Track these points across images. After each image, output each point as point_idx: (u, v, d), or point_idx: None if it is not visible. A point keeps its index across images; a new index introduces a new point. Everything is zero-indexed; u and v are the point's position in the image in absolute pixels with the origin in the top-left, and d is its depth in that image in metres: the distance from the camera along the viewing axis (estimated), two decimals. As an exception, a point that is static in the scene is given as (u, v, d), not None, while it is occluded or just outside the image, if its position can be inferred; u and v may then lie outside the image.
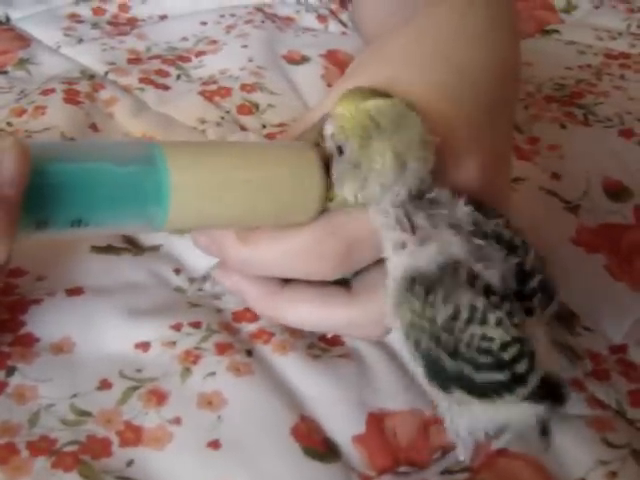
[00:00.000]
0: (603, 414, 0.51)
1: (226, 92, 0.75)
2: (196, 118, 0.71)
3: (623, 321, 0.57)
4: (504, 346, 0.40)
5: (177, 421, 0.48)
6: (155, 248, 0.59)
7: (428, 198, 0.43)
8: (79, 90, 0.72)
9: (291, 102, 0.75)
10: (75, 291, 0.54)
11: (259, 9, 0.88)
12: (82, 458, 0.45)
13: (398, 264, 0.42)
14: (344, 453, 0.48)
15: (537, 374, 0.41)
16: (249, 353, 0.52)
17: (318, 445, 0.47)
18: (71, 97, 0.71)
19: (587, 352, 0.55)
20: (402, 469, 0.48)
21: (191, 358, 0.51)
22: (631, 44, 0.89)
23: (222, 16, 0.87)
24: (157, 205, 0.42)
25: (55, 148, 0.43)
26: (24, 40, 0.81)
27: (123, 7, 0.88)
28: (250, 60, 0.79)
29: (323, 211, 0.45)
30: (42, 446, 0.46)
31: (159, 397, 0.49)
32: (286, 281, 0.48)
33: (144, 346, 0.51)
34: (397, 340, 0.43)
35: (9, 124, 0.68)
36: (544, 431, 0.43)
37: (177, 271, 0.57)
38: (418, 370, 0.42)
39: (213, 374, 0.50)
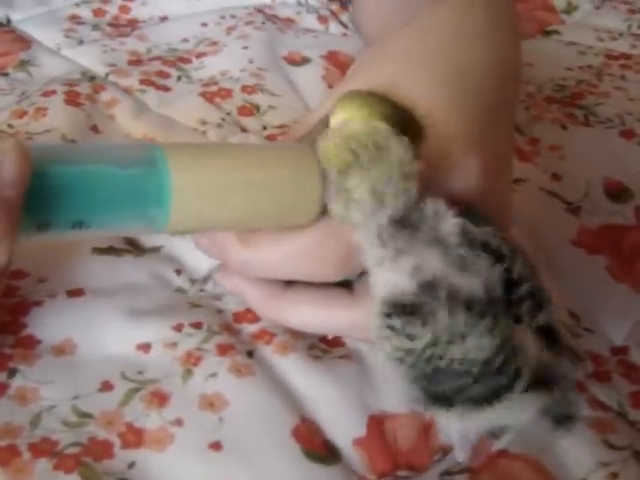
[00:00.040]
0: (604, 415, 0.51)
1: (227, 93, 0.75)
2: (197, 119, 0.71)
3: (624, 322, 0.57)
4: (486, 362, 0.40)
5: (178, 422, 0.48)
6: (156, 249, 0.59)
7: (413, 217, 0.42)
8: (80, 92, 0.72)
9: (292, 103, 0.75)
10: (76, 292, 0.54)
11: (260, 10, 0.88)
12: (84, 460, 0.45)
13: (380, 281, 0.42)
14: (344, 456, 0.48)
15: (523, 381, 0.41)
16: (250, 354, 0.52)
17: (319, 447, 0.47)
18: (72, 99, 0.71)
19: (588, 353, 0.55)
20: (402, 472, 0.48)
21: (192, 359, 0.51)
22: (632, 45, 0.89)
23: (223, 17, 0.87)
24: (158, 207, 0.42)
25: (56, 150, 0.43)
26: (25, 42, 0.81)
27: (124, 8, 0.88)
28: (251, 61, 0.79)
29: (324, 213, 0.45)
30: (44, 448, 0.46)
31: (160, 399, 0.49)
32: (288, 283, 0.48)
33: (145, 347, 0.51)
34: (379, 365, 0.43)
35: (10, 126, 0.68)
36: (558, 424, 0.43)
37: (178, 272, 0.57)
38: (401, 386, 0.42)
39: (214, 375, 0.50)
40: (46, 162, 0.40)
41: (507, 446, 0.47)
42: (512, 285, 0.42)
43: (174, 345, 0.51)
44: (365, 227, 0.42)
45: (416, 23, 0.52)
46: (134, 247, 0.58)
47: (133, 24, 0.86)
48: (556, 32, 0.91)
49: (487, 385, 0.40)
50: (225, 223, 0.45)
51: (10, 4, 0.86)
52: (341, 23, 0.88)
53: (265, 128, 0.71)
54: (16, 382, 0.49)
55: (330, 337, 0.53)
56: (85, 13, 0.87)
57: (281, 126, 0.71)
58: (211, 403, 0.49)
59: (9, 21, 0.85)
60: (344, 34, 0.87)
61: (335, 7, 0.89)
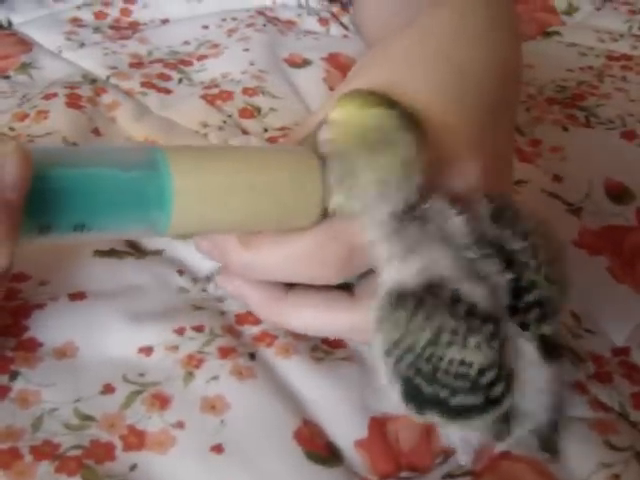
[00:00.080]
0: (606, 416, 0.51)
1: (228, 96, 0.75)
2: (198, 122, 0.71)
3: (626, 323, 0.57)
4: (482, 371, 0.40)
5: (180, 425, 0.48)
6: (158, 252, 0.59)
7: (419, 211, 0.42)
8: (81, 94, 0.72)
9: (293, 106, 0.75)
10: (78, 295, 0.54)
11: (260, 12, 0.88)
12: (86, 462, 0.45)
13: (386, 279, 0.42)
14: (346, 457, 0.48)
15: (512, 396, 0.41)
16: (252, 356, 0.52)
17: (321, 449, 0.47)
18: (73, 101, 0.71)
19: (589, 354, 0.55)
20: (404, 474, 0.48)
21: (194, 362, 0.51)
22: (633, 46, 0.89)
23: (224, 20, 0.87)
24: (160, 210, 0.42)
25: (57, 153, 0.43)
26: (26, 44, 0.81)
27: (125, 11, 0.88)
28: (252, 64, 0.79)
29: (325, 215, 0.45)
30: (45, 450, 0.46)
31: (162, 401, 0.49)
32: (289, 286, 0.48)
33: (147, 350, 0.51)
34: (374, 360, 0.43)
35: (11, 129, 0.68)
36: (553, 447, 0.44)
37: (180, 272, 0.57)
38: (394, 390, 0.42)
39: (216, 378, 0.50)
40: (47, 165, 0.40)
41: (509, 448, 0.47)
42: (521, 292, 0.42)
43: (176, 348, 0.51)
44: (367, 218, 0.43)
45: (416, 24, 0.52)
46: (136, 250, 0.58)
47: (134, 27, 0.86)
48: (557, 33, 0.91)
49: (479, 395, 0.40)
50: (226, 225, 0.45)
51: (11, 7, 0.86)
52: (342, 25, 0.88)
53: (266, 130, 0.71)
54: (18, 385, 0.49)
55: (332, 338, 0.53)
56: (86, 16, 0.87)
57: (282, 128, 0.71)
58: (213, 406, 0.49)
59: (10, 24, 0.85)
60: (345, 36, 0.87)
61: (336, 9, 0.89)
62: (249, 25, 0.85)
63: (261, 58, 0.80)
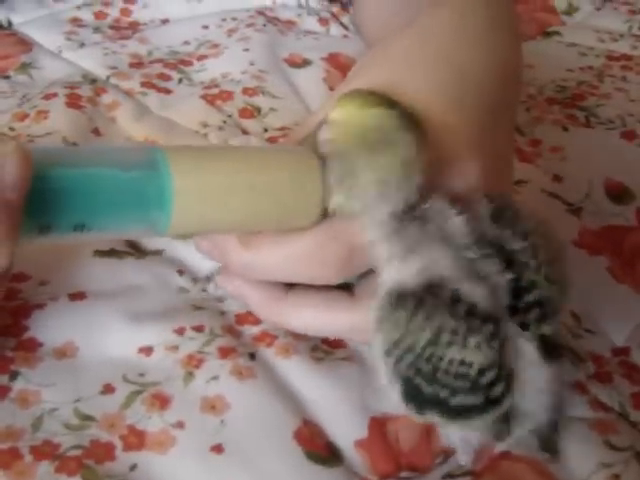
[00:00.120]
0: (606, 417, 0.51)
1: (228, 96, 0.75)
2: (198, 122, 0.71)
3: (626, 323, 0.57)
4: (482, 371, 0.40)
5: (180, 425, 0.48)
6: (158, 252, 0.59)
7: (419, 211, 0.42)
8: (81, 94, 0.72)
9: (293, 106, 0.75)
10: (78, 295, 0.54)
11: (260, 12, 0.88)
12: (86, 462, 0.45)
13: (386, 279, 0.42)
14: (346, 457, 0.48)
15: (512, 396, 0.41)
16: (252, 356, 0.52)
17: (321, 449, 0.47)
18: (73, 101, 0.71)
19: (589, 354, 0.55)
20: (404, 474, 0.48)
21: (194, 362, 0.51)
22: (633, 46, 0.89)
23: (224, 20, 0.87)
24: (160, 210, 0.42)
25: (57, 153, 0.43)
26: (26, 44, 0.81)
27: (125, 11, 0.88)
28: (252, 64, 0.79)
29: (325, 215, 0.45)
30: (45, 450, 0.46)
31: (162, 401, 0.49)
32: (289, 286, 0.48)
33: (147, 350, 0.51)
34: (374, 361, 0.43)
35: (11, 129, 0.68)
36: (553, 448, 0.44)
37: (180, 272, 0.57)
38: (393, 391, 0.42)
39: (216, 378, 0.50)
40: (47, 165, 0.40)
41: (509, 448, 0.47)
42: (521, 292, 0.42)
43: (175, 348, 0.51)
44: (367, 218, 0.43)
45: (416, 24, 0.52)
46: (136, 250, 0.58)
47: (134, 27, 0.86)
48: (557, 33, 0.91)
49: (479, 395, 0.40)
50: (226, 225, 0.45)
51: (11, 7, 0.86)
52: (342, 25, 0.88)
53: (266, 130, 0.71)
54: (18, 385, 0.49)
55: (332, 339, 0.53)
56: (86, 16, 0.87)
57: (282, 128, 0.71)
58: (213, 406, 0.49)
59: (10, 24, 0.85)
60: (345, 36, 0.87)
61: (336, 9, 0.89)
62: (249, 25, 0.85)
63: (261, 58, 0.80)
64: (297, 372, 0.51)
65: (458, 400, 0.41)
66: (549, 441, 0.44)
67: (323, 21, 0.88)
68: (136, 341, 0.52)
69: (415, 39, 0.51)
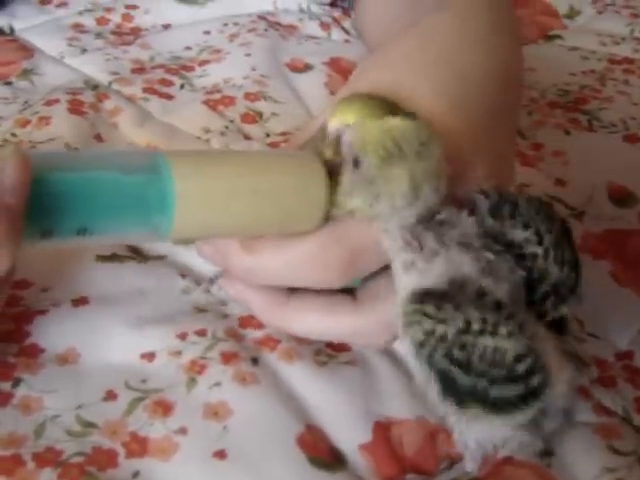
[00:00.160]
0: (609, 421, 0.51)
1: (230, 101, 0.75)
2: (200, 127, 0.71)
3: (629, 327, 0.57)
4: (518, 358, 0.40)
5: (183, 431, 0.47)
6: (160, 257, 0.59)
7: (437, 219, 0.43)
8: (83, 100, 0.72)
9: (295, 110, 0.75)
10: (80, 301, 0.54)
11: (262, 17, 0.88)
12: (88, 469, 0.45)
13: (408, 283, 0.42)
14: (350, 462, 0.48)
15: (551, 389, 0.40)
16: (255, 361, 0.51)
17: (324, 454, 0.47)
18: (75, 107, 0.71)
19: (593, 359, 0.54)
20: (409, 477, 0.47)
21: (196, 368, 0.51)
22: (635, 49, 0.89)
23: (225, 25, 0.87)
24: (162, 214, 0.42)
25: (59, 157, 0.44)
26: (28, 50, 0.81)
27: (127, 17, 0.88)
28: (253, 69, 0.79)
29: (327, 219, 0.45)
30: (48, 457, 0.46)
31: (165, 408, 0.49)
32: (291, 290, 0.48)
33: (149, 356, 0.51)
34: (409, 360, 0.43)
35: (13, 135, 0.68)
36: (547, 451, 0.44)
37: (183, 275, 0.57)
38: (432, 389, 0.42)
39: (219, 384, 0.50)
40: (49, 169, 0.40)
41: (512, 453, 0.47)
42: (534, 283, 0.42)
43: (178, 354, 0.51)
44: (390, 222, 0.43)
45: (418, 29, 0.52)
46: (137, 254, 0.58)
47: (136, 32, 0.86)
48: (559, 37, 0.91)
49: (518, 385, 0.40)
50: (229, 229, 0.45)
51: (13, 13, 0.86)
52: (343, 29, 0.88)
53: (268, 135, 0.71)
54: (20, 391, 0.49)
55: (335, 342, 0.53)
56: (88, 22, 0.87)
57: (284, 133, 0.71)
58: (215, 412, 0.48)
59: (12, 30, 0.85)
60: (346, 40, 0.87)
61: (337, 14, 0.89)
62: (251, 30, 0.85)
63: (263, 63, 0.80)
64: (300, 377, 0.51)
65: (497, 391, 0.40)
66: (548, 444, 0.44)
67: (325, 26, 0.88)
68: (138, 347, 0.52)
69: (416, 43, 0.51)
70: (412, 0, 0.60)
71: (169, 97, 0.75)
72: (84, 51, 0.81)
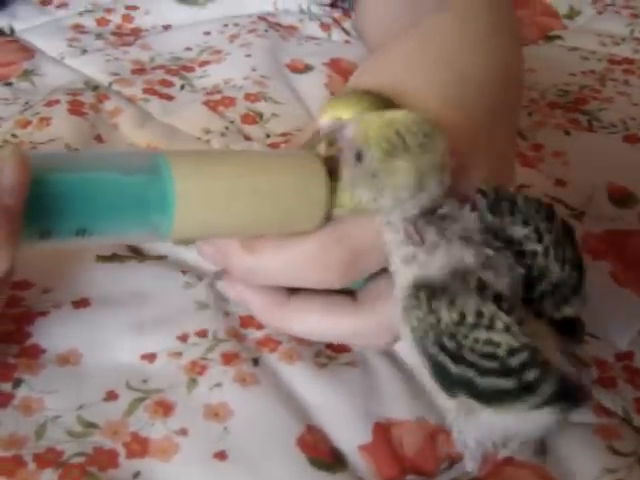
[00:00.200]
0: (609, 422, 0.51)
1: (230, 102, 0.75)
2: (200, 128, 0.71)
3: (629, 328, 0.57)
4: (511, 352, 0.40)
5: (183, 432, 0.48)
6: (161, 257, 0.59)
7: (439, 213, 0.43)
8: (83, 101, 0.72)
9: (295, 111, 0.75)
10: (81, 302, 0.54)
11: (262, 18, 0.88)
12: (89, 470, 0.45)
13: (408, 274, 0.42)
14: (350, 463, 0.48)
15: (550, 384, 0.40)
16: (255, 362, 0.52)
17: (325, 455, 0.47)
18: (75, 108, 0.71)
19: (593, 359, 0.54)
20: (409, 478, 0.48)
21: (197, 369, 0.51)
22: (635, 49, 0.89)
23: (225, 26, 0.87)
24: (162, 214, 0.42)
25: (58, 158, 0.44)
26: (28, 51, 0.81)
27: (127, 18, 0.88)
28: (254, 69, 0.79)
29: (328, 219, 0.45)
30: (49, 458, 0.46)
31: (165, 408, 0.49)
32: (291, 291, 0.48)
33: (150, 357, 0.51)
34: (405, 347, 0.44)
35: (14, 135, 0.68)
36: (541, 450, 0.44)
37: (184, 272, 0.57)
38: (425, 375, 0.42)
39: (219, 385, 0.50)
40: (48, 170, 0.40)
41: (513, 454, 0.47)
42: (533, 281, 0.42)
43: (179, 355, 0.51)
44: (393, 215, 0.43)
45: (418, 29, 0.52)
46: (138, 254, 0.58)
47: (136, 33, 0.86)
48: (559, 37, 0.91)
49: (511, 378, 0.40)
50: (229, 229, 0.45)
51: (13, 14, 0.86)
52: (344, 30, 0.88)
53: (268, 136, 0.71)
54: (21, 392, 0.49)
55: (336, 343, 0.53)
56: (88, 22, 0.87)
57: (284, 134, 0.71)
58: (216, 413, 0.49)
59: (12, 31, 0.85)
60: (347, 41, 0.87)
61: (338, 14, 0.89)
62: (251, 31, 0.85)
63: (263, 64, 0.80)
64: (301, 378, 0.51)
65: (488, 382, 0.40)
66: (541, 443, 0.44)
67: (325, 26, 0.88)
68: (139, 347, 0.52)
69: (416, 43, 0.51)
70: (412, 1, 0.60)
71: (169, 98, 0.75)
72: (84, 52, 0.81)
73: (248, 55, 0.81)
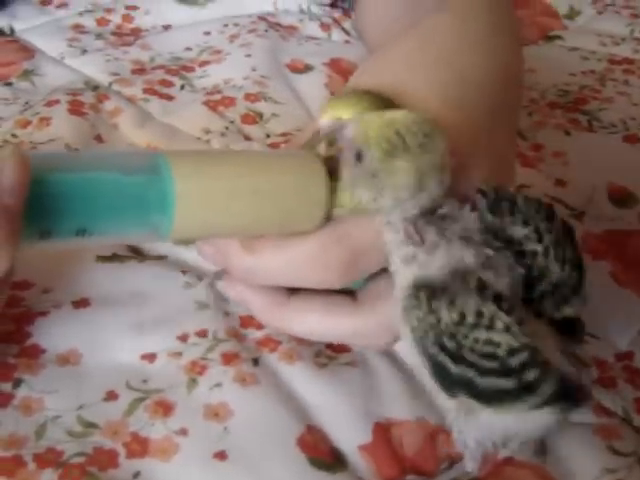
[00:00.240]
0: (609, 422, 0.51)
1: (230, 102, 0.75)
2: (200, 128, 0.71)
3: (629, 328, 0.57)
4: (511, 352, 0.40)
5: (183, 432, 0.48)
6: (161, 258, 0.59)
7: (439, 213, 0.43)
8: (83, 101, 0.72)
9: (295, 111, 0.75)
10: (81, 302, 0.54)
11: (262, 18, 0.88)
12: (89, 470, 0.45)
13: (408, 274, 0.42)
14: (350, 463, 0.48)
15: (550, 384, 0.40)
16: (255, 362, 0.52)
17: (325, 455, 0.47)
18: (75, 108, 0.71)
19: (593, 359, 0.54)
20: (409, 478, 0.48)
21: (197, 369, 0.51)
22: (635, 49, 0.89)
23: (225, 26, 0.87)
24: (162, 214, 0.42)
25: (58, 158, 0.44)
26: (28, 51, 0.81)
27: (127, 18, 0.88)
28: (254, 69, 0.79)
29: (328, 219, 0.45)
30: (49, 458, 0.46)
31: (165, 408, 0.49)
32: (291, 291, 0.48)
33: (150, 357, 0.51)
34: (406, 347, 0.43)
35: (14, 135, 0.68)
36: (541, 450, 0.44)
37: (184, 272, 0.57)
38: (425, 375, 0.42)
39: (219, 385, 0.50)
40: (48, 170, 0.40)
41: (513, 454, 0.47)
42: (533, 282, 0.42)
43: (179, 354, 0.51)
44: (393, 215, 0.43)
45: (418, 29, 0.52)
46: (138, 254, 0.58)
47: (136, 33, 0.86)
48: (559, 37, 0.91)
49: (511, 378, 0.40)
50: (229, 229, 0.45)
51: (14, 14, 0.86)
52: (344, 30, 0.88)
53: (268, 136, 0.71)
54: (21, 392, 0.49)
55: (336, 343, 0.53)
56: (88, 22, 0.87)
57: (284, 134, 0.71)
58: (216, 413, 0.49)
59: (12, 31, 0.85)
60: (347, 41, 0.87)
61: (338, 14, 0.89)
62: (251, 31, 0.85)
63: (263, 64, 0.80)
64: (301, 378, 0.51)
65: (488, 382, 0.40)
66: (541, 443, 0.44)
67: (325, 26, 0.88)
68: (139, 347, 0.52)
69: (416, 43, 0.51)
70: (412, 1, 0.60)
71: (169, 98, 0.75)
72: (84, 52, 0.81)
73: (248, 55, 0.81)
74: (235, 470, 0.46)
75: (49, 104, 0.71)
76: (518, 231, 0.42)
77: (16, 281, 0.54)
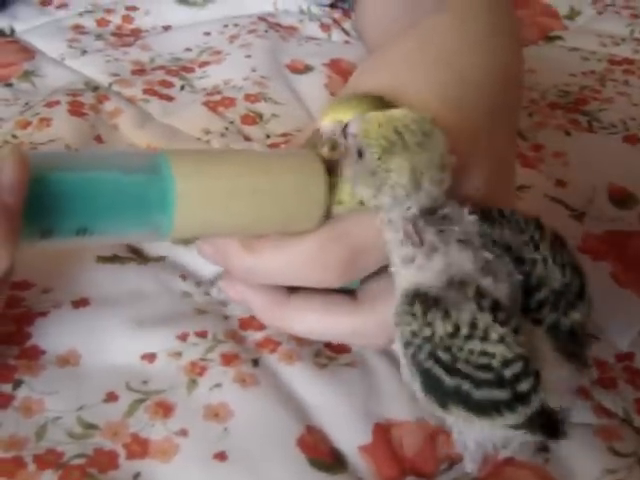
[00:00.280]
0: (610, 423, 0.51)
1: (230, 102, 0.75)
2: (200, 129, 0.71)
3: (630, 329, 0.57)
4: (506, 363, 0.40)
5: (183, 433, 0.48)
6: (161, 258, 0.59)
7: (440, 214, 0.42)
8: (83, 102, 0.72)
9: (295, 112, 0.75)
10: (81, 303, 0.54)
11: (262, 19, 0.88)
12: (89, 471, 0.45)
13: (407, 277, 0.42)
14: (350, 463, 0.48)
15: (541, 394, 0.40)
16: (255, 363, 0.52)
17: (324, 456, 0.47)
18: (76, 109, 0.71)
19: (593, 360, 0.54)
20: (409, 479, 0.47)
21: (197, 369, 0.51)
22: (635, 50, 0.89)
23: (225, 26, 0.87)
24: (162, 213, 0.42)
25: (59, 157, 0.44)
26: (28, 52, 0.81)
27: (127, 18, 0.88)
28: (254, 70, 0.79)
29: (327, 218, 0.45)
30: (49, 459, 0.46)
31: (165, 409, 0.49)
32: (291, 290, 0.48)
33: (150, 357, 0.51)
34: (397, 352, 0.43)
35: (14, 136, 0.68)
36: (542, 450, 0.44)
37: (183, 277, 0.57)
38: (415, 385, 0.42)
39: (219, 386, 0.50)
40: (48, 169, 0.40)
41: (513, 454, 0.47)
42: (531, 290, 0.42)
43: (179, 355, 0.51)
44: (393, 213, 0.43)
45: (417, 30, 0.52)
46: (138, 255, 0.58)
47: (136, 34, 0.86)
48: (559, 38, 0.91)
49: (505, 389, 0.40)
50: (229, 229, 0.45)
51: (14, 15, 0.86)
52: (343, 31, 0.88)
53: (268, 137, 0.71)
54: (21, 393, 0.49)
55: (336, 343, 0.53)
56: (88, 23, 0.87)
57: (284, 134, 0.71)
58: (216, 413, 0.49)
59: (13, 31, 0.85)
60: (346, 42, 0.87)
61: (337, 15, 0.89)
62: (251, 31, 0.85)
63: (263, 64, 0.80)
64: (300, 378, 0.51)
65: (483, 394, 0.40)
66: (542, 444, 0.44)
67: (325, 27, 0.88)
68: (139, 348, 0.52)
69: (416, 43, 0.51)
70: (411, 1, 0.60)
71: (169, 98, 0.75)
72: (84, 52, 0.81)
73: (248, 56, 0.81)
74: (235, 471, 0.46)
75: (49, 105, 0.71)
76: (516, 238, 0.42)
77: (16, 281, 0.54)
